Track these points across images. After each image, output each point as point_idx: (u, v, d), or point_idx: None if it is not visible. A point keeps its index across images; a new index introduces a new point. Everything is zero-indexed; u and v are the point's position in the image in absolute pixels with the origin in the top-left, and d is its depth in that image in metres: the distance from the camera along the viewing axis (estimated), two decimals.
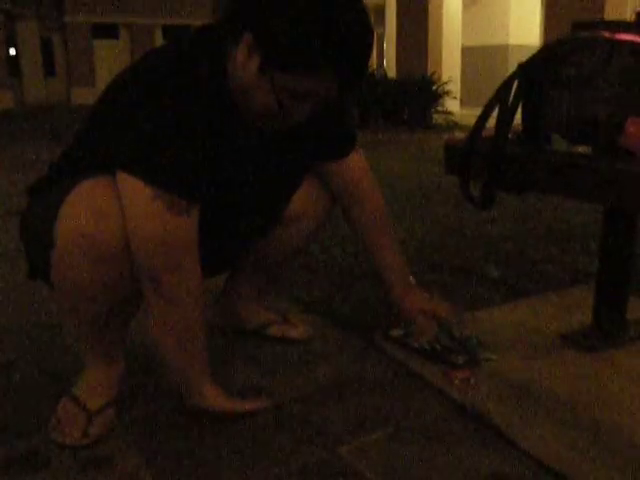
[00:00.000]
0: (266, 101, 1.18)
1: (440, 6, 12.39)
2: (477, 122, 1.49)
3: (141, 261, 1.18)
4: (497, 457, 1.24)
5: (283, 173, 1.47)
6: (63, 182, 1.24)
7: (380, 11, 14.42)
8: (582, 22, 1.52)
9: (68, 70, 18.66)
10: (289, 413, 1.41)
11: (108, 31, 20.05)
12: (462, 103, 12.56)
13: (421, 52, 12.41)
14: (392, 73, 11.90)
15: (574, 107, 1.39)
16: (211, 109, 1.20)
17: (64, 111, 14.49)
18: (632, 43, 1.36)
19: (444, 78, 11.13)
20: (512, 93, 1.45)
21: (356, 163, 1.54)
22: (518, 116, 1.47)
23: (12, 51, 19.08)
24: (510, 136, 1.47)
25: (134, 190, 1.15)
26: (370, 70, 9.96)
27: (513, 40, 13.31)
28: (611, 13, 8.84)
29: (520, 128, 1.48)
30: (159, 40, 18.43)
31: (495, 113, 1.46)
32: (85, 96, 17.44)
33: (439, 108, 9.65)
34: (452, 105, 10.45)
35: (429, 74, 10.50)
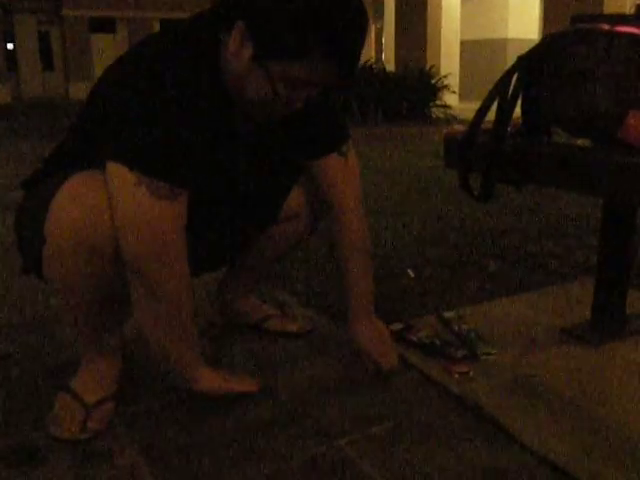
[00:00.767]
0: (260, 89, 1.17)
1: (439, 0, 12.36)
2: (476, 115, 1.48)
3: (125, 249, 1.16)
4: (496, 451, 1.23)
5: (276, 168, 1.46)
6: (55, 176, 1.23)
7: (379, 4, 14.38)
8: (581, 15, 1.51)
9: (66, 64, 18.60)
10: (288, 407, 1.40)
11: (106, 25, 19.98)
12: (461, 97, 12.54)
13: (420, 46, 12.38)
14: (391, 67, 11.87)
15: (574, 100, 1.38)
16: (202, 97, 1.18)
17: (62, 105, 14.45)
18: (632, 35, 1.36)
19: (443, 72, 11.11)
20: (512, 86, 1.44)
21: (335, 166, 1.45)
22: (518, 109, 1.47)
23: (10, 45, 19.01)
24: (510, 129, 1.46)
25: (119, 177, 1.13)
26: (369, 64, 9.94)
27: (512, 34, 13.29)
28: (611, 6, 8.82)
29: (520, 121, 1.47)
30: None
31: (495, 106, 1.45)
32: (83, 90, 17.40)
33: (438, 102, 9.64)
34: (451, 99, 10.43)
35: (428, 68, 10.48)
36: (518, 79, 1.45)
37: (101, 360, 1.40)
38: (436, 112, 9.58)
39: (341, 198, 1.48)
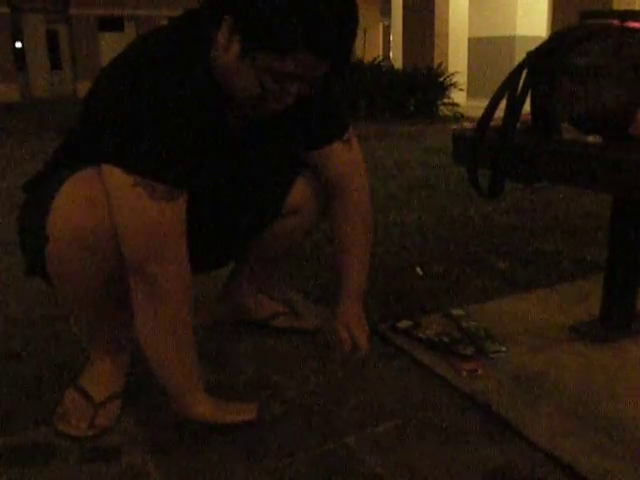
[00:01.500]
0: (249, 84, 1.16)
1: None
2: (485, 111, 1.47)
3: (125, 251, 1.16)
4: (504, 449, 1.23)
5: (276, 162, 1.46)
6: (54, 178, 1.23)
7: (386, 2, 14.33)
8: (591, 11, 1.50)
9: (74, 63, 18.66)
10: (297, 405, 1.40)
11: (113, 24, 20.01)
12: (469, 95, 12.50)
13: (427, 43, 12.34)
14: (398, 64, 11.84)
15: (584, 96, 1.37)
16: (195, 95, 1.17)
17: (70, 104, 14.49)
18: None
19: (450, 69, 11.07)
20: (521, 82, 1.43)
21: (339, 155, 1.45)
22: (527, 106, 1.46)
23: (18, 44, 19.07)
24: (519, 126, 1.45)
25: (116, 179, 1.13)
26: (376, 62, 9.92)
27: (520, 31, 13.23)
28: (620, 3, 8.76)
29: (529, 117, 1.47)
30: None
31: (504, 103, 1.44)
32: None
33: (446, 100, 9.60)
34: (459, 97, 10.39)
35: (435, 66, 10.44)
36: (527, 75, 1.44)
37: (108, 357, 1.40)
38: (444, 110, 9.54)
39: (348, 181, 1.48)
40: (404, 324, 1.73)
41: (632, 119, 1.30)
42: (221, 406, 1.32)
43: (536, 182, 1.42)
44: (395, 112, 9.04)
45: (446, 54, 12.28)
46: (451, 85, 9.69)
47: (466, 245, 2.54)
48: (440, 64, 10.47)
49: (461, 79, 11.23)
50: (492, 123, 1.47)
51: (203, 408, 1.28)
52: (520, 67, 1.44)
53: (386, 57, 13.32)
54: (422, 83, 9.38)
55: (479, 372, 1.49)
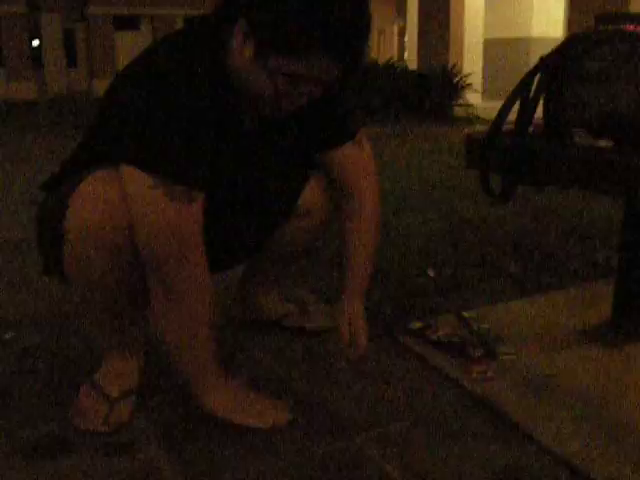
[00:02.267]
0: (262, 85, 1.18)
1: None
2: (498, 115, 1.48)
3: (143, 252, 1.18)
4: (512, 451, 1.24)
5: (288, 163, 1.47)
6: (72, 177, 1.26)
7: (402, 3, 14.33)
8: (606, 15, 1.50)
9: (90, 61, 18.81)
10: (306, 403, 1.42)
11: (130, 22, 20.15)
12: (484, 96, 12.47)
13: (442, 44, 12.32)
14: (413, 65, 11.83)
15: (597, 101, 1.38)
16: (211, 97, 1.19)
17: (85, 102, 14.60)
18: None
19: (465, 70, 11.05)
20: (534, 86, 1.44)
21: (350, 156, 1.46)
22: (540, 110, 1.47)
23: (35, 42, 19.25)
24: (532, 129, 1.46)
25: (135, 180, 1.15)
26: (391, 62, 9.92)
27: (536, 33, 13.17)
28: (637, 5, 8.71)
29: (542, 122, 1.47)
30: None
31: (517, 106, 1.45)
32: (106, 87, 17.62)
33: (460, 101, 9.58)
34: (473, 98, 10.37)
35: (450, 66, 10.42)
36: (540, 79, 1.45)
37: (123, 354, 1.42)
38: (458, 111, 9.53)
39: (357, 182, 1.49)
40: (416, 325, 1.75)
41: None
42: (243, 402, 1.34)
43: (547, 186, 1.43)
44: (409, 113, 9.03)
45: (461, 55, 12.25)
46: (466, 86, 9.66)
47: (478, 247, 2.55)
48: (455, 65, 10.44)
49: (476, 80, 11.20)
50: (505, 127, 1.49)
51: (217, 403, 1.32)
52: (533, 71, 1.45)
53: (401, 58, 13.28)
54: (436, 84, 9.37)
55: (489, 374, 1.50)
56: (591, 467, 1.17)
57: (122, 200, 1.17)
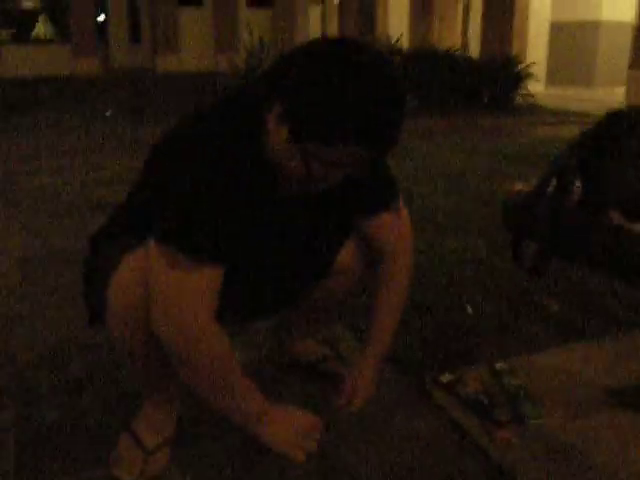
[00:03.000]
0: (295, 168, 1.21)
1: None
2: (537, 186, 1.49)
3: (156, 331, 1.26)
4: None
5: (326, 227, 1.51)
6: (115, 245, 1.35)
7: None
8: None
9: (153, 37, 19.05)
10: (325, 457, 1.47)
11: None
12: (548, 82, 12.12)
13: (507, 28, 11.98)
14: (475, 53, 11.57)
15: (635, 182, 1.37)
16: (246, 173, 1.25)
17: (148, 78, 14.85)
18: None
19: (530, 54, 10.77)
20: (573, 160, 1.44)
21: (387, 224, 1.50)
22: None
23: (101, 17, 19.59)
24: (569, 203, 1.46)
25: (159, 261, 1.22)
26: (452, 50, 9.74)
27: (606, 15, 12.68)
28: None
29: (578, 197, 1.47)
30: (242, 8, 18.47)
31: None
32: (169, 63, 17.78)
33: (522, 91, 9.35)
34: (536, 86, 10.10)
35: (513, 54, 10.17)
36: (580, 155, 1.45)
37: (160, 405, 1.50)
38: (519, 100, 9.31)
39: (392, 249, 1.53)
40: (446, 378, 1.77)
41: None
42: (288, 430, 1.43)
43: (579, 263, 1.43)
44: (469, 103, 8.89)
45: (525, 40, 11.90)
46: (528, 75, 9.42)
47: (521, 281, 2.53)
48: (517, 55, 10.16)
49: (540, 66, 10.90)
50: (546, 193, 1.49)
51: (268, 437, 1.41)
52: (573, 146, 1.45)
53: (463, 45, 12.98)
54: (498, 73, 9.17)
55: (513, 440, 1.53)
56: None
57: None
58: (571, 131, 5.14)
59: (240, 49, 12.47)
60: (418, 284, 2.41)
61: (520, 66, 9.40)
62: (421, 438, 1.57)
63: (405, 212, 1.54)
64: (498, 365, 1.85)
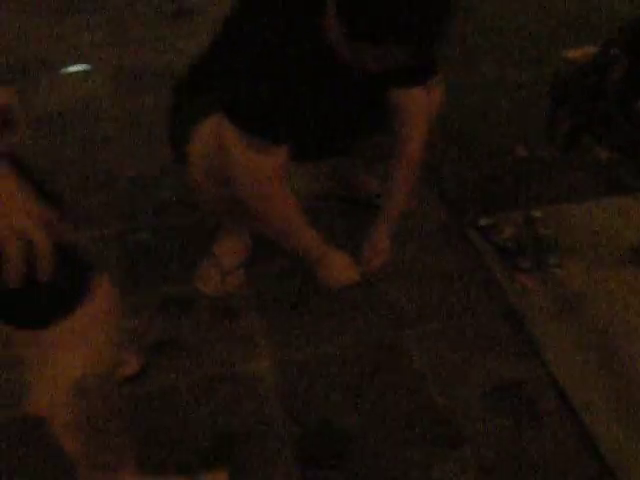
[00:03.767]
0: (350, 57, 1.37)
1: None
2: (590, 62, 1.55)
3: (237, 191, 1.50)
4: (521, 365, 1.58)
5: (371, 93, 1.64)
6: (194, 104, 1.57)
7: None
8: None
9: None
10: (375, 292, 1.79)
11: None
12: None
13: None
14: None
15: None
16: (306, 58, 1.40)
17: None
18: None
19: None
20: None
21: (415, 98, 1.63)
22: None
23: None
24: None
25: (229, 130, 1.42)
26: None
27: None
28: None
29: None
30: None
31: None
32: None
33: None
34: None
35: None
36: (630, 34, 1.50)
37: (235, 234, 1.82)
38: None
39: (412, 125, 1.68)
40: (484, 221, 2.00)
41: None
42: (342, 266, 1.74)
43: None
44: None
45: None
46: None
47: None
48: None
49: None
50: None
51: (323, 278, 1.72)
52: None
53: None
54: None
55: (530, 286, 1.78)
56: (574, 394, 1.49)
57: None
58: None
59: None
60: (480, 117, 2.54)
61: None
62: (452, 277, 1.84)
63: (437, 92, 1.68)
64: (534, 212, 2.04)
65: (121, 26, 3.40)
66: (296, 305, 1.75)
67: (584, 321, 1.69)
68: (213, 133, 1.48)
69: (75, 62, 2.99)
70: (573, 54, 1.66)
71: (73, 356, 0.94)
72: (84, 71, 2.93)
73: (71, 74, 2.92)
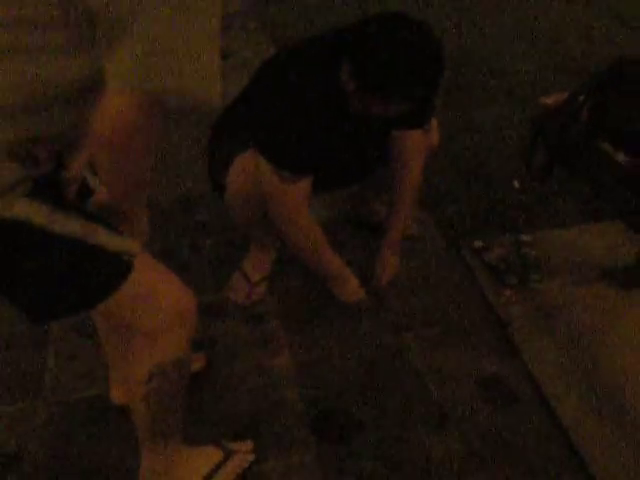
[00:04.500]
0: (359, 107, 1.69)
1: None
2: (564, 103, 1.84)
3: (269, 214, 1.83)
4: (503, 364, 1.85)
5: (379, 134, 1.95)
6: (231, 142, 1.87)
7: None
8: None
9: None
10: (381, 300, 2.08)
11: None
12: None
13: None
14: None
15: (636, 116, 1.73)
16: (328, 104, 1.70)
17: None
18: None
19: None
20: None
21: (414, 138, 1.93)
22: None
23: None
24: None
25: (265, 168, 1.73)
26: None
27: None
28: None
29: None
30: None
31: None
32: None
33: None
34: None
35: None
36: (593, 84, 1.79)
37: (262, 251, 2.12)
38: None
39: (409, 160, 1.98)
40: (477, 243, 2.29)
41: None
42: (351, 288, 2.07)
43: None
44: None
45: None
46: None
47: None
48: None
49: None
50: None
51: (338, 295, 2.06)
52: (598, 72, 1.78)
53: None
54: None
55: (514, 299, 2.06)
56: (546, 386, 1.76)
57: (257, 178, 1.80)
58: None
59: None
60: (480, 151, 2.84)
61: None
62: (449, 289, 2.13)
63: (433, 132, 2.02)
64: (523, 236, 2.33)
65: None
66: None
67: (559, 327, 1.96)
68: (249, 167, 1.80)
69: None
70: (548, 100, 1.95)
71: (153, 342, 1.21)
72: None
73: None
